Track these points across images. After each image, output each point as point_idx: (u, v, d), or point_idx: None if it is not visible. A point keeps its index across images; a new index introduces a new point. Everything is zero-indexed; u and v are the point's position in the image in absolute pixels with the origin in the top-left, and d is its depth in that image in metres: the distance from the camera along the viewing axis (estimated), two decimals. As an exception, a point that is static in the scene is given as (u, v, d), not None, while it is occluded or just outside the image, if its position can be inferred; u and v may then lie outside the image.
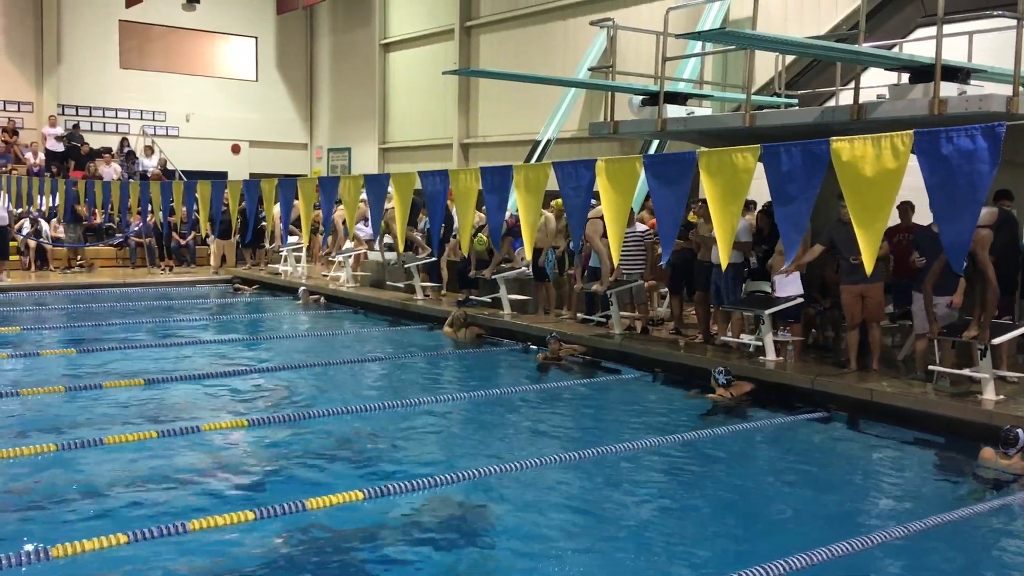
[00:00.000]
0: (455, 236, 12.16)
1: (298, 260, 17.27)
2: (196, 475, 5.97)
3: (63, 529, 4.90)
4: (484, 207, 8.07)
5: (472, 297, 12.73)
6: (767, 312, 8.73)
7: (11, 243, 16.85)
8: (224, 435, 6.94)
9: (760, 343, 8.88)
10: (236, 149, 25.21)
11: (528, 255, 7.70)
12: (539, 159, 16.67)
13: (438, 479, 5.82)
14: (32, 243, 17.60)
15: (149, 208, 17.03)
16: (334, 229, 16.60)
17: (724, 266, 6.53)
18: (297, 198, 9.98)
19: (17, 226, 18.00)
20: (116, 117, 23.58)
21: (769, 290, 9.10)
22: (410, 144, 23.39)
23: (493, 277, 12.10)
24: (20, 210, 18.14)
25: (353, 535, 5.03)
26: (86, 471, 5.93)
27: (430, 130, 22.57)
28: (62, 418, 7.27)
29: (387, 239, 15.64)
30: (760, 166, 5.90)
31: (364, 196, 9.58)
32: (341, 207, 11.44)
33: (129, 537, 4.66)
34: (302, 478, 5.99)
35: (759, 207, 9.75)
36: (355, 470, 6.20)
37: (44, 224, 17.97)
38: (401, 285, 14.10)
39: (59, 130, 21.38)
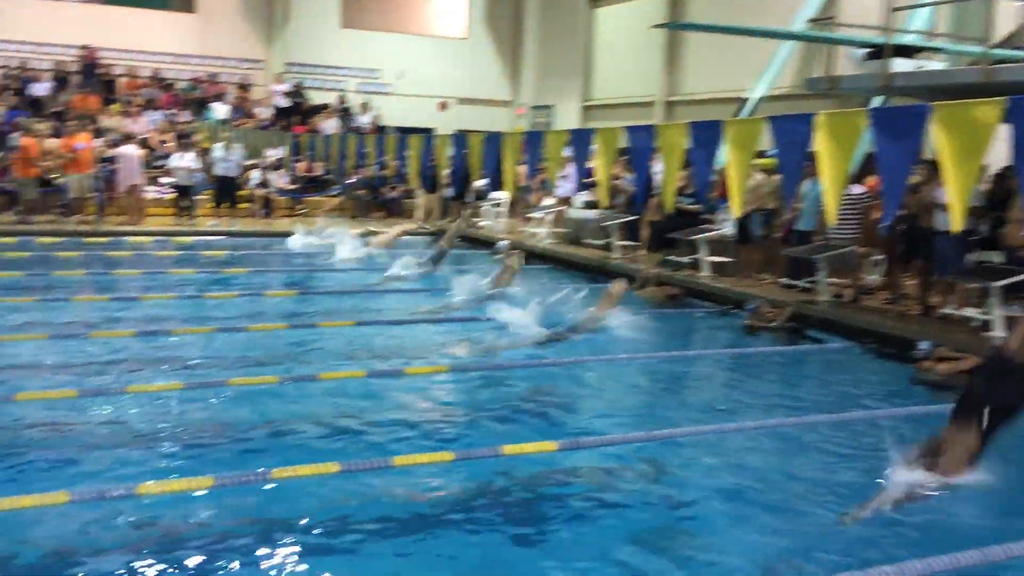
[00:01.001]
0: (656, 194, 11.95)
1: (499, 215, 17.60)
2: (400, 415, 6.26)
3: (280, 455, 5.29)
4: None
5: (671, 258, 12.51)
6: (998, 284, 8.01)
7: (240, 192, 18.27)
8: (427, 380, 7.21)
9: (987, 317, 8.17)
10: (443, 106, 25.97)
11: (736, 213, 7.43)
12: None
13: (629, 436, 5.80)
14: (260, 192, 18.94)
15: (363, 161, 17.89)
16: (537, 184, 16.77)
17: (957, 230, 6.02)
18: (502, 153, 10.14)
19: (246, 176, 19.46)
20: (335, 75, 24.87)
21: (1000, 260, 8.34)
22: (613, 101, 23.17)
23: (693, 238, 11.82)
24: (250, 162, 19.60)
25: (544, 483, 5.11)
26: (301, 404, 6.36)
27: (633, 87, 22.24)
28: (282, 353, 7.82)
29: (586, 196, 15.62)
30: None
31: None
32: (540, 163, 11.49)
33: (341, 467, 4.96)
34: (498, 426, 6.13)
35: (991, 170, 8.92)
36: (546, 422, 6.28)
37: (271, 175, 19.29)
38: (598, 243, 14.07)
39: (285, 87, 22.82)
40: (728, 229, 11.67)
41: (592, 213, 14.90)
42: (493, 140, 10.11)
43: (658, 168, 10.06)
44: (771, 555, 4.33)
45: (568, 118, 24.53)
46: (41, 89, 20.43)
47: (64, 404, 6.03)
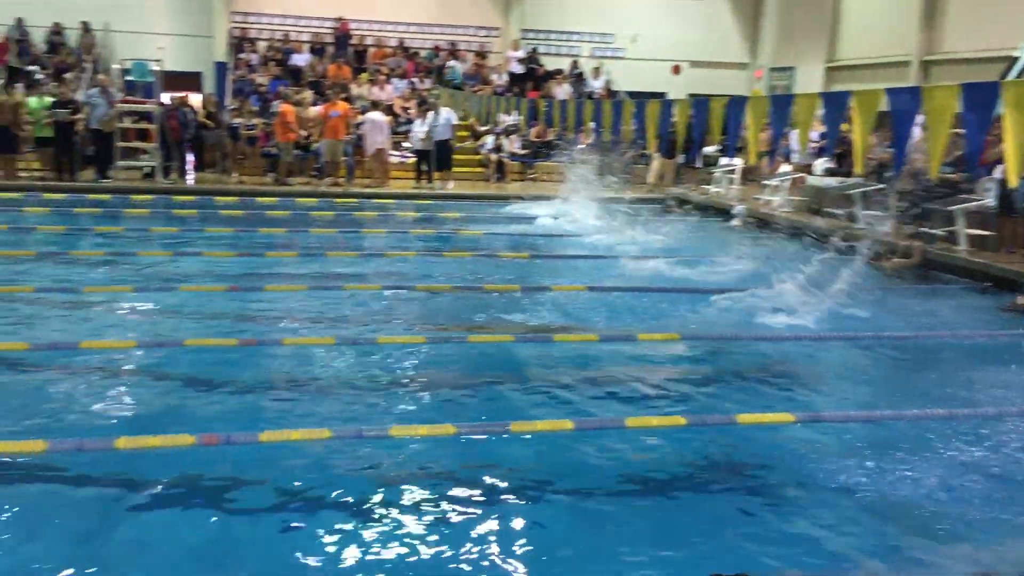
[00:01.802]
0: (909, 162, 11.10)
1: (731, 182, 17.11)
2: (632, 379, 6.29)
3: (517, 409, 5.48)
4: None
5: (923, 230, 11.62)
6: None
7: (476, 156, 18.90)
8: (659, 347, 7.18)
9: None
10: (676, 70, 25.47)
11: (1014, 182, 6.75)
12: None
13: (874, 415, 5.50)
14: (493, 157, 19.51)
15: (595, 127, 17.93)
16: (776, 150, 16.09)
17: None
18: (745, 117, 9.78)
19: (480, 141, 20.10)
20: (569, 40, 25.04)
21: None
22: (860, 62, 21.73)
23: (951, 208, 10.91)
24: (485, 128, 20.22)
25: (777, 455, 4.96)
26: (539, 362, 6.54)
27: (884, 46, 20.73)
28: (516, 313, 8.07)
29: (826, 162, 14.82)
30: None
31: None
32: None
33: (574, 424, 5.08)
34: (730, 394, 6.01)
35: None
36: (780, 392, 6.08)
37: (504, 140, 19.81)
38: (840, 212, 13.32)
39: (520, 53, 23.26)
40: (989, 200, 10.68)
41: (833, 181, 14.12)
42: (736, 104, 9.76)
43: (914, 134, 9.35)
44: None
45: (810, 81, 23.31)
46: (300, 60, 22.06)
47: (322, 350, 6.56)
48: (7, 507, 4.02)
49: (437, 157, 17.91)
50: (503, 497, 4.33)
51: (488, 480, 4.49)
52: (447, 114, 17.59)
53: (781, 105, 9.27)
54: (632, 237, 12.11)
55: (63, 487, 4.30)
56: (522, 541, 3.94)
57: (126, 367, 6.05)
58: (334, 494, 4.30)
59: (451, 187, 17.61)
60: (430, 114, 17.67)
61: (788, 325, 7.71)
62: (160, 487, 4.30)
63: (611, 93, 22.30)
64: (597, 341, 7.08)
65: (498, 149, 19.62)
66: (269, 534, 3.92)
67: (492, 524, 4.08)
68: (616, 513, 4.25)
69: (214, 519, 4.05)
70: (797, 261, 8.68)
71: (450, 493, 4.35)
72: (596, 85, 22.81)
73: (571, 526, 4.10)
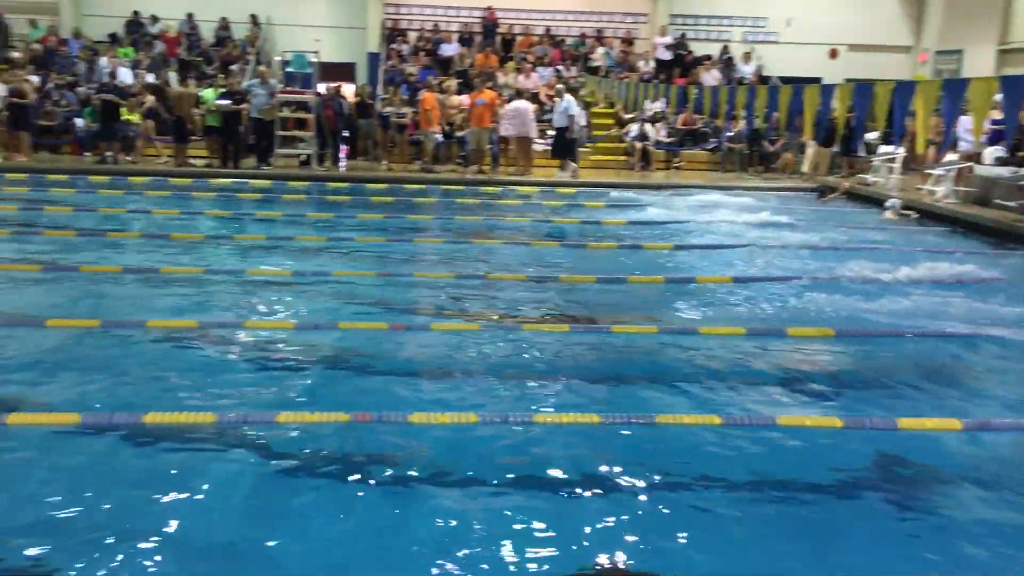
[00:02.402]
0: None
1: (891, 171, 16.28)
2: (782, 374, 6.09)
3: (661, 402, 5.41)
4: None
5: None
6: None
7: (621, 144, 18.73)
8: (810, 342, 6.92)
9: None
10: (833, 54, 24.42)
11: None
12: None
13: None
14: (638, 145, 19.29)
15: (744, 114, 17.45)
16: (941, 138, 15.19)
17: None
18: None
19: (625, 129, 19.91)
20: (719, 25, 24.42)
21: None
22: (1038, 43, 20.20)
23: None
24: (630, 115, 20.01)
25: (942, 464, 4.69)
26: (682, 355, 6.43)
27: (1068, 26, 19.19)
28: (662, 304, 7.96)
29: (997, 150, 13.89)
30: None
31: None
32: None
33: (722, 419, 4.97)
34: (887, 397, 5.73)
35: None
36: (946, 399, 5.74)
37: (649, 128, 19.55)
38: (1012, 204, 12.46)
39: (668, 39, 22.87)
40: None
41: (1006, 171, 13.21)
42: (904, 89, 9.24)
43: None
44: None
45: (979, 64, 21.84)
46: (449, 49, 22.46)
47: (468, 336, 6.67)
48: (180, 470, 4.29)
49: (553, 145, 17.89)
50: (644, 489, 4.28)
51: (631, 471, 4.46)
52: (565, 103, 17.53)
53: (954, 90, 8.71)
54: (782, 227, 11.70)
55: (228, 455, 4.54)
56: (658, 535, 3.89)
57: (285, 347, 6.34)
58: (477, 476, 4.37)
59: (568, 175, 17.47)
60: (561, 101, 17.65)
61: (945, 322, 7.28)
62: (317, 460, 4.48)
63: (763, 79, 21.62)
64: (744, 335, 6.89)
65: (643, 137, 19.39)
66: (414, 511, 4.02)
67: (631, 514, 4.05)
68: (755, 516, 4.13)
69: (361, 493, 4.19)
70: (969, 255, 8.16)
71: (594, 482, 4.34)
72: (747, 71, 22.18)
73: (705, 524, 4.01)
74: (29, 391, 5.26)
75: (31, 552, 3.57)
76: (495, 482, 4.31)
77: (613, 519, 4.00)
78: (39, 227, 10.88)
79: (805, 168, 18.32)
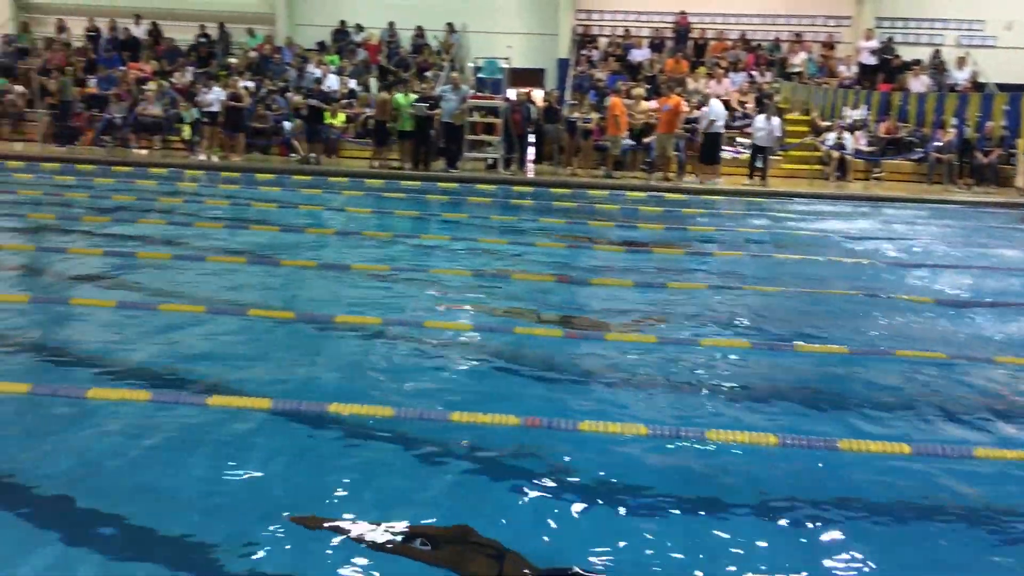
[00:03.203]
0: None
1: None
2: (982, 404, 5.60)
3: (844, 425, 5.10)
4: None
5: None
6: None
7: (816, 152, 17.93)
8: (1020, 372, 6.34)
9: None
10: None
11: None
12: None
13: None
14: (835, 154, 18.40)
15: (955, 123, 16.28)
16: None
17: None
18: None
19: (821, 138, 19.04)
20: (930, 28, 22.89)
21: None
22: None
23: None
24: (827, 123, 19.12)
25: None
26: (874, 378, 6.04)
27: None
28: (850, 321, 7.52)
29: None
30: None
31: None
32: None
33: (912, 449, 4.62)
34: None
35: None
36: None
37: (847, 136, 18.59)
38: None
39: (874, 43, 21.67)
40: None
41: None
42: None
43: None
44: None
45: None
46: (639, 55, 22.29)
47: (644, 347, 6.56)
48: (356, 462, 4.46)
49: (700, 149, 17.26)
50: (816, 516, 4.04)
51: (804, 496, 4.22)
52: (710, 108, 16.97)
53: None
54: (993, 244, 10.80)
55: (402, 449, 4.67)
56: (831, 567, 3.65)
57: (463, 347, 6.47)
58: (642, 488, 4.28)
59: (711, 182, 16.86)
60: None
61: None
62: (485, 462, 4.53)
63: (978, 86, 20.07)
64: (945, 360, 6.39)
65: (840, 146, 18.47)
66: (579, 518, 3.98)
67: (795, 540, 3.84)
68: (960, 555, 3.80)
69: (525, 498, 4.19)
70: None
71: (765, 505, 4.15)
72: (960, 77, 20.65)
73: (894, 561, 3.73)
74: (227, 374, 5.63)
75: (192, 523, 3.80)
76: (659, 495, 4.21)
77: (779, 544, 3.81)
78: (247, 222, 11.67)
79: (1019, 183, 16.84)
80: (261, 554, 3.57)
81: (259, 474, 4.26)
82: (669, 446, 4.74)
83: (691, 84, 20.63)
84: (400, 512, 3.95)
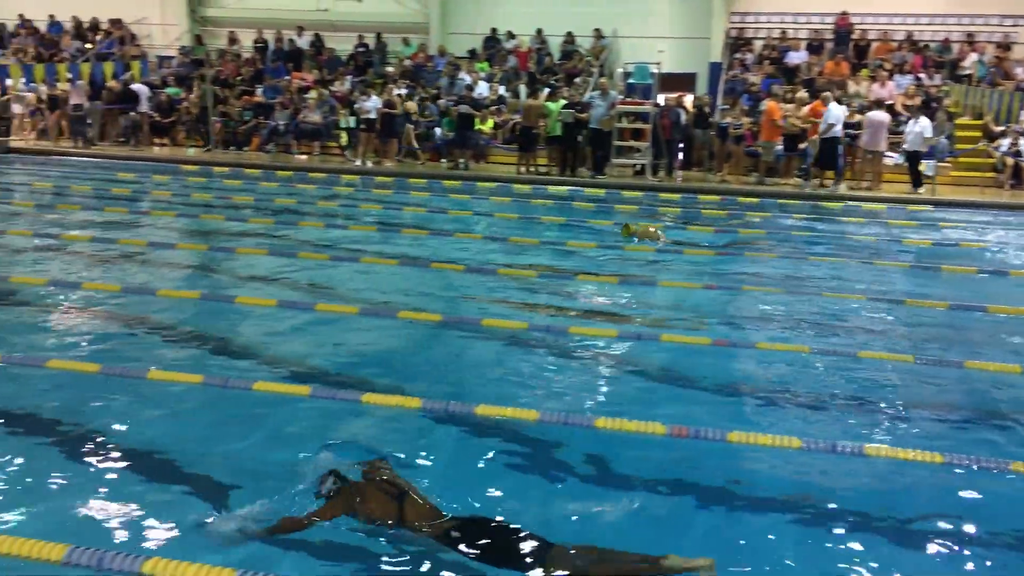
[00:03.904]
0: None
1: None
2: None
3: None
4: None
5: None
6: None
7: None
8: None
9: None
10: None
11: None
12: None
13: None
14: (1010, 161, 17.20)
15: None
16: None
17: None
18: None
19: (994, 144, 17.84)
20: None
21: None
22: None
23: None
24: (1001, 128, 17.91)
25: None
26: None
27: None
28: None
29: None
30: None
31: None
32: None
33: None
34: None
35: None
36: None
37: (1023, 141, 17.35)
38: None
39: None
40: None
41: None
42: None
43: None
44: None
45: None
46: (796, 58, 21.55)
47: (796, 358, 6.32)
48: (499, 464, 4.50)
49: (818, 155, 16.54)
50: (984, 540, 3.77)
51: (972, 519, 3.98)
52: (830, 110, 16.07)
53: None
54: None
55: (546, 453, 4.69)
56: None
57: (608, 353, 6.43)
58: (794, 501, 4.15)
59: (834, 188, 15.98)
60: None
61: None
62: (628, 469, 4.48)
63: None
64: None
65: (1017, 153, 17.24)
66: (723, 529, 3.88)
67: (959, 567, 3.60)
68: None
69: (667, 508, 4.11)
70: None
71: (929, 525, 3.93)
72: None
73: None
74: (380, 374, 5.81)
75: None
76: (813, 510, 4.06)
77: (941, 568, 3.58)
78: (399, 225, 12.03)
79: None
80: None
81: (407, 470, 4.36)
82: (824, 460, 4.55)
83: (852, 87, 19.78)
84: (539, 515, 3.95)
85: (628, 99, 18.58)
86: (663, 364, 6.23)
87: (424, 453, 4.59)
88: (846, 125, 16.88)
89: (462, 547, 3.52)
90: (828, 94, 16.70)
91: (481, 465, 4.53)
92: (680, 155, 18.55)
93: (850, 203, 15.31)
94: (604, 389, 5.68)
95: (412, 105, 19.49)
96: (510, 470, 4.47)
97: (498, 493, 4.20)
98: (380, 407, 5.15)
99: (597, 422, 4.90)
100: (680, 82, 21.76)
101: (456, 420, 4.98)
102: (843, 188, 16.59)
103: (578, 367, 6.09)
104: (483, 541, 3.55)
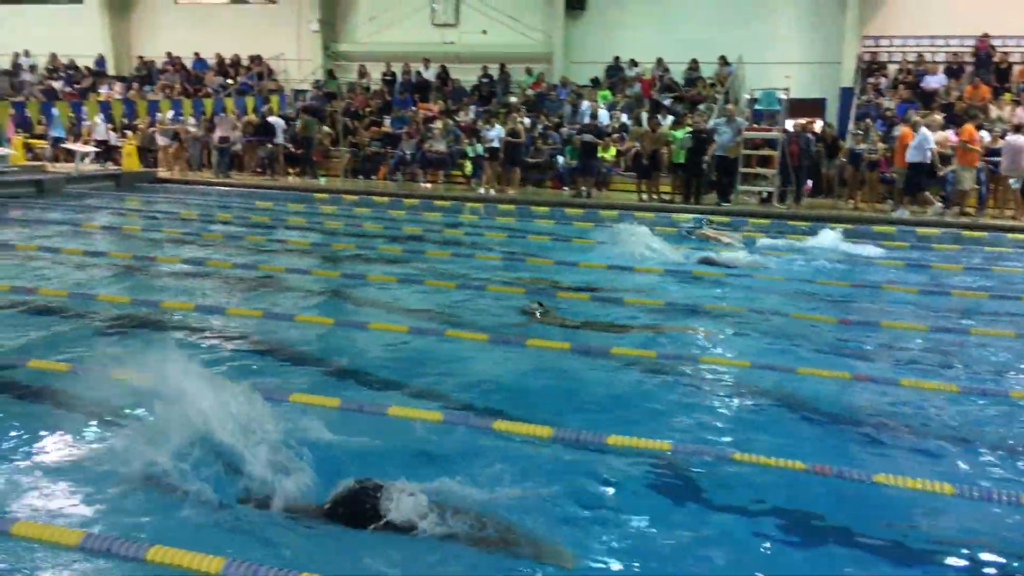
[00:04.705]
0: None
1: None
2: None
3: None
4: None
5: None
6: None
7: None
8: None
9: None
10: None
11: None
12: None
13: None
14: None
15: None
16: None
17: None
18: None
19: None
20: None
21: None
22: None
23: None
24: None
25: None
26: None
27: None
28: None
29: None
30: None
31: None
32: None
33: None
34: None
35: None
36: None
37: None
38: None
39: None
40: None
41: None
42: None
43: None
44: None
45: None
46: (934, 82, 20.71)
47: (943, 396, 6.02)
48: (630, 495, 4.44)
49: (906, 181, 15.77)
50: None
51: None
52: (921, 136, 15.16)
53: None
54: None
55: (679, 485, 4.60)
56: None
57: (741, 384, 6.28)
58: (939, 553, 3.92)
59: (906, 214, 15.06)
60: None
61: None
62: (763, 507, 4.35)
63: None
64: None
65: None
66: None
67: None
68: None
69: (810, 550, 3.97)
70: None
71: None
72: None
73: None
74: (509, 400, 5.84)
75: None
76: (968, 560, 3.83)
77: None
78: (522, 254, 12.12)
79: None
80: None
81: (528, 500, 4.34)
82: (980, 509, 4.30)
83: (994, 112, 18.85)
84: (672, 550, 3.88)
85: (755, 125, 18.25)
86: (800, 398, 6.03)
87: (555, 482, 4.58)
88: (989, 152, 16.10)
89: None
90: (918, 119, 16.06)
91: (611, 495, 4.47)
92: (809, 182, 18.07)
93: (996, 232, 14.52)
94: (739, 421, 5.54)
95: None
96: (641, 502, 4.40)
97: (632, 525, 4.14)
98: (511, 434, 5.17)
99: (734, 455, 4.78)
100: (809, 108, 21.26)
101: (587, 449, 4.95)
102: (985, 216, 15.80)
103: (711, 398, 5.97)
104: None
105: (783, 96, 18.72)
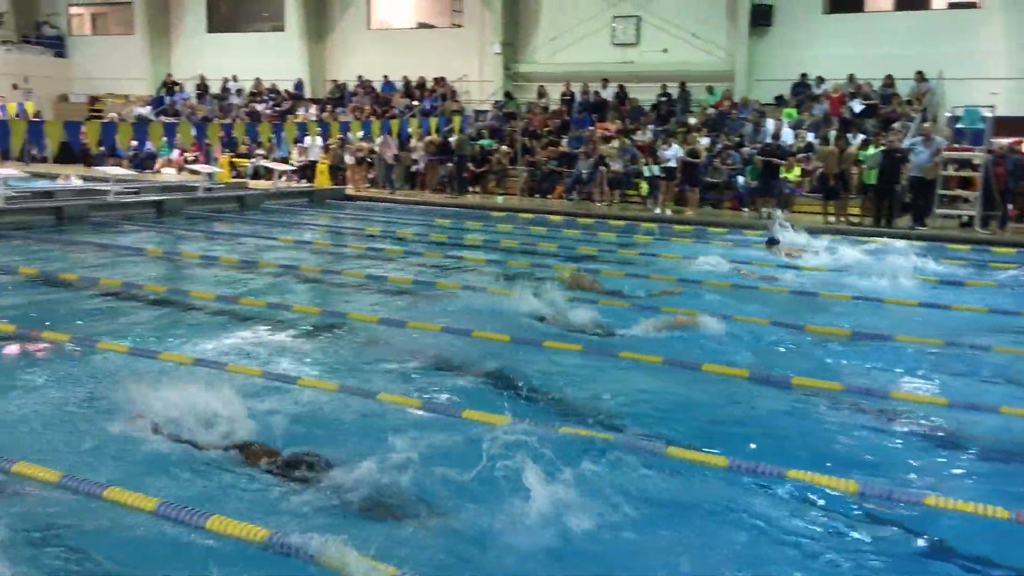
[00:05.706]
0: None
1: None
2: None
3: None
4: None
5: None
6: None
7: None
8: None
9: None
10: None
11: None
12: None
13: None
14: None
15: None
16: None
17: None
18: None
19: None
20: None
21: None
22: None
23: None
24: None
25: None
26: None
27: None
28: None
29: None
30: None
31: None
32: None
33: None
34: None
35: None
36: None
37: None
38: None
39: None
40: None
41: None
42: None
43: None
44: None
45: None
46: None
47: None
48: (813, 534, 4.21)
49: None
50: None
51: None
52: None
53: None
54: None
55: (869, 528, 4.32)
56: None
57: (935, 423, 5.85)
58: None
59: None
60: None
61: None
62: (965, 555, 4.01)
63: None
64: None
65: None
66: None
67: None
68: None
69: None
70: None
71: None
72: None
73: None
74: (683, 426, 5.70)
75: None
76: None
77: None
78: (700, 278, 11.79)
79: None
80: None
81: (692, 531, 4.20)
82: None
83: None
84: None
85: (955, 145, 17.08)
86: (1005, 440, 5.54)
87: (729, 513, 4.41)
88: None
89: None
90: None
91: (786, 532, 4.26)
92: (1010, 206, 16.71)
93: None
94: (933, 462, 5.16)
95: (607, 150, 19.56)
96: (822, 542, 4.17)
97: (815, 565, 3.93)
98: (683, 461, 5.03)
99: (927, 499, 4.45)
100: (1017, 126, 19.68)
101: (764, 481, 4.75)
102: None
103: (903, 436, 5.60)
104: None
105: (988, 114, 17.43)
